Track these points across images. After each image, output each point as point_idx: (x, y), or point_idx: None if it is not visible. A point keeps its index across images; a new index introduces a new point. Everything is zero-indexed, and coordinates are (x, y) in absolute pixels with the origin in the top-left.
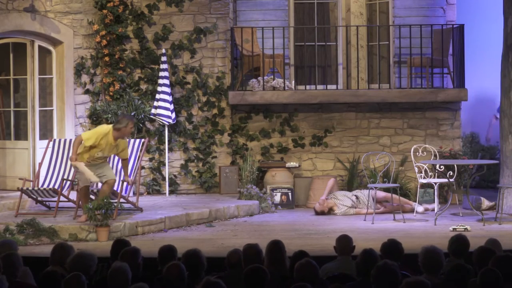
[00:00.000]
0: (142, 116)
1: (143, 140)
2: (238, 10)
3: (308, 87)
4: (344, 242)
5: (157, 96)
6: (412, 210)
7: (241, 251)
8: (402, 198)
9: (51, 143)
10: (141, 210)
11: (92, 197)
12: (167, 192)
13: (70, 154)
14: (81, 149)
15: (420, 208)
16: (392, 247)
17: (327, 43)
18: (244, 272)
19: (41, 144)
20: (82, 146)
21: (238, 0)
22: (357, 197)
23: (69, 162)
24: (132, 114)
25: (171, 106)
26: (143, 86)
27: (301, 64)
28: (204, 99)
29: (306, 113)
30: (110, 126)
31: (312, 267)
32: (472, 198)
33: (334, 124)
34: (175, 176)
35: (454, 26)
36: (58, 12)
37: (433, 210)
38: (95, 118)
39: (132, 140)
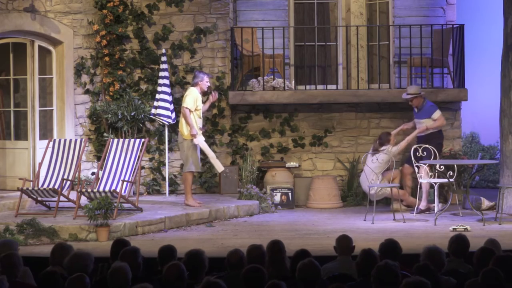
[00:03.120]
0: (142, 116)
1: (143, 140)
2: (238, 10)
3: (308, 87)
4: (344, 242)
5: (157, 96)
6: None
7: (243, 251)
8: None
9: (51, 143)
10: (141, 210)
11: (88, 200)
12: (167, 192)
13: (190, 131)
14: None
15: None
16: (390, 246)
17: (327, 43)
18: (242, 273)
19: (41, 144)
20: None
21: (238, 0)
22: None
23: (69, 162)
24: (132, 114)
25: (171, 106)
26: (143, 86)
27: (301, 64)
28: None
29: (306, 113)
30: (192, 87)
31: (314, 267)
32: (472, 198)
33: (334, 124)
34: (175, 176)
35: (454, 26)
36: (58, 12)
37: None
38: (95, 118)
39: (132, 140)
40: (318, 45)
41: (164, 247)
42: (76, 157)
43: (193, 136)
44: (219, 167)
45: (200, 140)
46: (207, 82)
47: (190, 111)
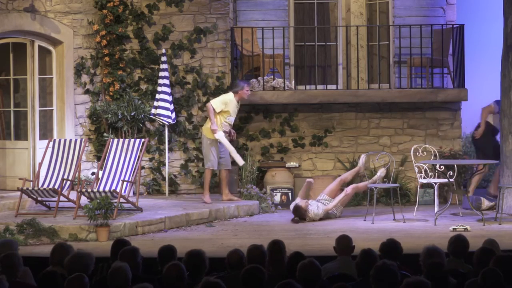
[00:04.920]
0: (142, 116)
1: (143, 140)
2: (238, 10)
3: (308, 87)
4: (344, 242)
5: (157, 96)
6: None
7: (242, 251)
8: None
9: (51, 143)
10: (141, 210)
11: (88, 200)
12: (167, 192)
13: (211, 126)
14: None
15: (381, 173)
16: (391, 246)
17: (327, 43)
18: (241, 273)
19: (41, 144)
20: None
21: (238, 0)
22: (317, 201)
23: (69, 162)
24: (132, 114)
25: (171, 106)
26: (143, 86)
27: (301, 64)
28: (204, 99)
29: (306, 113)
30: (231, 92)
31: (315, 267)
32: (472, 198)
33: (334, 124)
34: (175, 176)
35: (454, 26)
36: (58, 12)
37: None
38: (95, 118)
39: (132, 140)
40: (318, 45)
41: (164, 247)
42: (76, 157)
43: (213, 131)
44: (240, 161)
45: (221, 135)
46: (247, 90)
47: (214, 109)
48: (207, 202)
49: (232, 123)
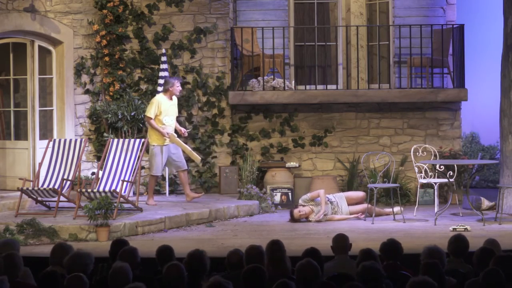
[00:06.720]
0: (142, 116)
1: (143, 140)
2: (238, 10)
3: (308, 87)
4: (341, 241)
5: None
6: (389, 213)
7: (242, 251)
8: (377, 209)
9: (51, 143)
10: (141, 210)
11: (88, 202)
12: (167, 192)
13: (162, 133)
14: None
15: (396, 208)
16: (391, 246)
17: (327, 43)
18: (242, 272)
19: (41, 144)
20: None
21: (238, 0)
22: (331, 202)
23: (69, 162)
24: (132, 114)
25: None
26: (143, 86)
27: (301, 64)
28: (204, 99)
29: (306, 113)
30: (159, 94)
31: (313, 267)
32: (472, 198)
33: (334, 124)
34: (175, 176)
35: (454, 26)
36: (58, 12)
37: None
38: (95, 118)
39: (132, 140)
40: (318, 45)
41: (162, 248)
42: (76, 157)
43: (165, 136)
44: (196, 158)
45: (172, 138)
46: (177, 87)
47: (151, 117)
48: (151, 204)
49: (171, 123)
